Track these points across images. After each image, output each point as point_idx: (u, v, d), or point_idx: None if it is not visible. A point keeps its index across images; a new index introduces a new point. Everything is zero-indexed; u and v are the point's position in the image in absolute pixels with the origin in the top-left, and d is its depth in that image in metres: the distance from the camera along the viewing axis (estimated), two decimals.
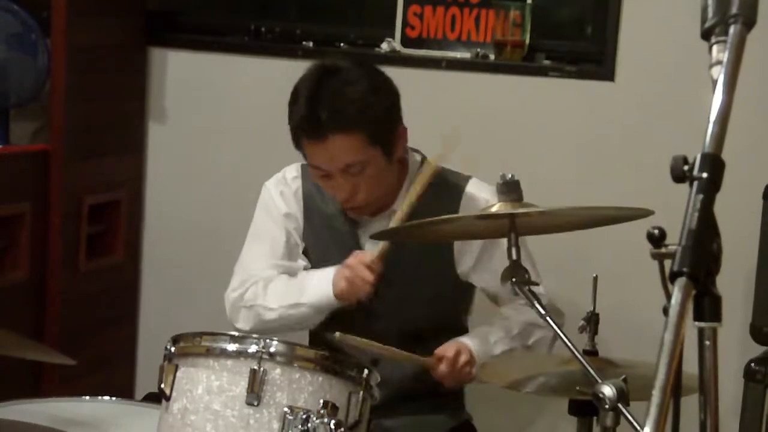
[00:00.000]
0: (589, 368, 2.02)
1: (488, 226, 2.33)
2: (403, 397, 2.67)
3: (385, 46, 3.59)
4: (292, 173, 2.77)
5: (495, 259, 2.60)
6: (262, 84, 3.65)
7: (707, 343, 1.26)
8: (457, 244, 2.69)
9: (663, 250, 1.27)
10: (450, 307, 2.78)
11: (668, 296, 1.21)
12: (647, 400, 1.18)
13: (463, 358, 2.56)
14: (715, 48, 1.35)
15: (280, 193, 2.76)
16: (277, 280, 2.70)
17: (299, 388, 2.01)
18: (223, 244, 3.35)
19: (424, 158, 2.71)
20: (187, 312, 3.73)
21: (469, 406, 2.89)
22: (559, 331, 2.12)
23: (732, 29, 1.34)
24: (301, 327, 2.72)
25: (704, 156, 1.27)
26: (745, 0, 1.35)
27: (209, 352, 2.05)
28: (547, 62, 3.46)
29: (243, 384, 2.00)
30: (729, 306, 1.25)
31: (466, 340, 2.61)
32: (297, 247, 2.76)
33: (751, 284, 2.95)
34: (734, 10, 1.34)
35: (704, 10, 1.37)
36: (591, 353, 2.18)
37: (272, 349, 2.01)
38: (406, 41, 3.57)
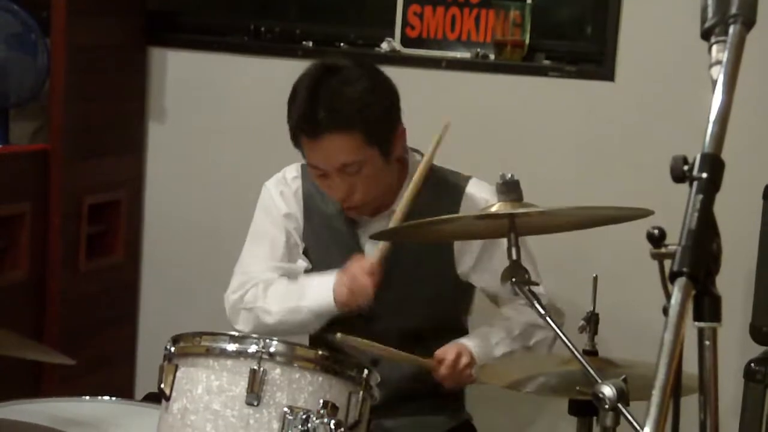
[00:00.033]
0: (589, 368, 2.02)
1: (488, 226, 2.33)
2: (403, 397, 2.67)
3: (385, 46, 3.59)
4: (292, 173, 2.77)
5: (495, 259, 2.59)
6: (262, 84, 3.65)
7: (707, 343, 1.26)
8: (457, 244, 2.68)
9: (663, 250, 1.27)
10: (450, 308, 2.78)
11: (668, 296, 1.21)
12: (647, 400, 1.18)
13: (463, 360, 2.55)
14: (714, 48, 1.35)
15: (280, 193, 2.76)
16: (278, 283, 2.70)
17: (299, 388, 2.01)
18: (223, 244, 3.35)
19: None
20: (187, 312, 3.73)
21: (469, 407, 2.89)
22: (559, 331, 2.11)
23: (732, 29, 1.34)
24: (302, 331, 2.71)
25: (704, 156, 1.27)
26: (745, 0, 1.35)
27: (209, 352, 2.05)
28: (547, 62, 3.46)
29: (243, 384, 2.00)
30: (729, 306, 1.25)
31: (466, 342, 2.61)
32: (297, 248, 2.76)
33: (751, 284, 2.95)
34: (734, 10, 1.34)
35: (704, 10, 1.37)
36: (591, 353, 2.18)
37: (272, 349, 2.01)
38: (406, 41, 3.57)
